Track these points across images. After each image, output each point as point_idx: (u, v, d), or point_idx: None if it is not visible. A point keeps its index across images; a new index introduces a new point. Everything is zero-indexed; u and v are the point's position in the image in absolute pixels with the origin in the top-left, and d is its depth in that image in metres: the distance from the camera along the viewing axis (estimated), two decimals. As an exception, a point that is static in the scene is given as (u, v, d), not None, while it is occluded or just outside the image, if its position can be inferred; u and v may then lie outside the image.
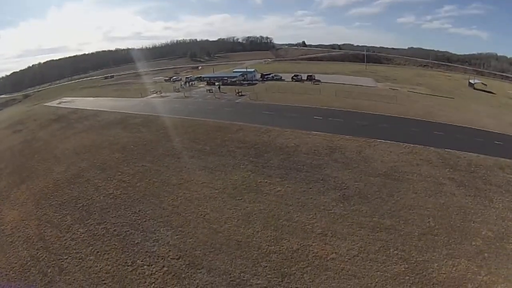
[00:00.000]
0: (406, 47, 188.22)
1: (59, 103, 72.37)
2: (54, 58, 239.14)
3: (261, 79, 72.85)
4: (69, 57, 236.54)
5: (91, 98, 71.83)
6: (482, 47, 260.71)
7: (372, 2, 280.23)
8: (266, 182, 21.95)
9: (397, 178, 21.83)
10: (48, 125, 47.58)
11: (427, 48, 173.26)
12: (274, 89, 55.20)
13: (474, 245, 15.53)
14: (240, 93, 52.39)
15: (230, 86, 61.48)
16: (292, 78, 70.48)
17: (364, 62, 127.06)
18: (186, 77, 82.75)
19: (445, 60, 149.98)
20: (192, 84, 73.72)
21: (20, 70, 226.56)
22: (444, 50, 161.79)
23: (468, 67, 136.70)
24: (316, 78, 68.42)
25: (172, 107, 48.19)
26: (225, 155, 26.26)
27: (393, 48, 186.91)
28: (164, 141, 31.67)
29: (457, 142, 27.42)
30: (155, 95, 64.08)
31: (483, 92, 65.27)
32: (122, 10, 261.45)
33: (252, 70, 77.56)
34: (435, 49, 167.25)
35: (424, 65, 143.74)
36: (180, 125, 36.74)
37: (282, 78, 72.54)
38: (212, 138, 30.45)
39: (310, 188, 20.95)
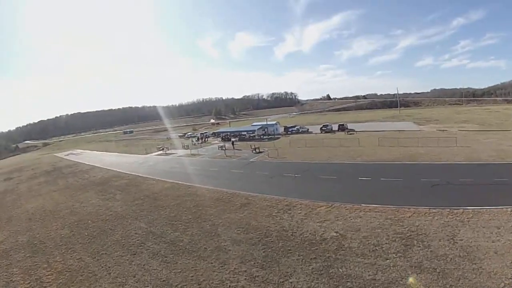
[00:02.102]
0: (429, 90, 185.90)
1: (68, 154, 76.31)
2: (81, 111, 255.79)
3: (284, 132, 62.95)
4: (96, 111, 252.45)
5: (98, 152, 72.67)
6: (503, 76, 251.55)
7: (390, 49, 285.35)
8: None
9: None
10: (37, 177, 47.91)
11: (449, 87, 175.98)
12: (300, 143, 44.43)
13: None
14: (257, 150, 42.03)
15: (248, 142, 51.92)
16: (321, 129, 60.06)
17: (392, 108, 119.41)
18: (201, 133, 75.19)
19: (470, 96, 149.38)
20: (205, 140, 65.40)
21: (47, 119, 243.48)
22: (467, 87, 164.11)
23: (497, 98, 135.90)
24: (349, 127, 57.48)
25: (170, 167, 38.72)
26: (211, 256, 14.29)
27: (416, 93, 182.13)
28: (131, 219, 20.64)
29: None
30: (160, 152, 55.81)
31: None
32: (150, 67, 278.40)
33: (274, 122, 68.32)
34: (457, 87, 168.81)
35: (454, 103, 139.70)
36: (165, 194, 26.10)
37: (309, 130, 62.26)
38: (199, 220, 18.87)
39: None
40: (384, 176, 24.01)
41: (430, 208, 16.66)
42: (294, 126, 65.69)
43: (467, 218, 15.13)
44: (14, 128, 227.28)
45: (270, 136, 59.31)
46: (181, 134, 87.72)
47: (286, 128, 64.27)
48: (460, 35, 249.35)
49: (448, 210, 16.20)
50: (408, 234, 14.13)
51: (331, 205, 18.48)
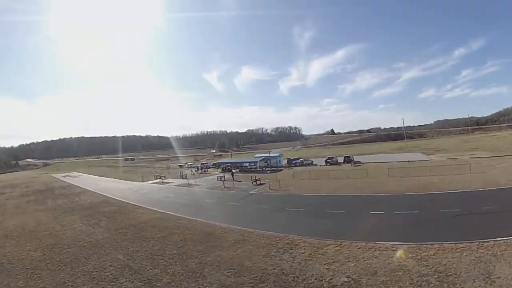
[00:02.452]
0: (432, 122, 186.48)
1: (65, 176, 76.51)
2: (86, 136, 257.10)
3: (287, 164, 60.66)
4: (100, 136, 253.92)
5: (95, 176, 72.18)
6: (505, 102, 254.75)
7: (393, 82, 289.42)
8: None
9: None
10: (29, 195, 47.89)
11: (452, 118, 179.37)
12: (304, 175, 42.09)
13: None
14: (257, 182, 39.51)
15: (250, 174, 49.34)
16: (325, 161, 58.08)
17: (397, 140, 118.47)
18: (202, 163, 73.16)
19: (474, 124, 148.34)
20: (205, 170, 63.08)
21: (51, 140, 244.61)
22: (470, 116, 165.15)
23: (501, 125, 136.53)
24: (355, 159, 55.36)
25: (163, 197, 36.36)
26: (193, 303, 11.61)
27: (419, 125, 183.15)
28: (110, 249, 17.95)
29: None
30: (157, 180, 53.56)
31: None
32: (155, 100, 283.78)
33: (277, 154, 66.33)
34: (460, 117, 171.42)
35: (459, 133, 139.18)
36: (153, 224, 23.48)
37: (313, 162, 59.94)
38: (184, 256, 16.02)
39: None
40: (398, 208, 21.39)
41: (456, 243, 14.16)
42: (298, 158, 63.58)
43: (500, 251, 12.75)
44: (17, 145, 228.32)
45: (272, 168, 56.95)
46: (181, 164, 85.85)
47: (289, 160, 62.09)
48: (461, 65, 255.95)
49: (477, 243, 13.81)
50: (435, 276, 11.34)
51: (341, 244, 15.71)
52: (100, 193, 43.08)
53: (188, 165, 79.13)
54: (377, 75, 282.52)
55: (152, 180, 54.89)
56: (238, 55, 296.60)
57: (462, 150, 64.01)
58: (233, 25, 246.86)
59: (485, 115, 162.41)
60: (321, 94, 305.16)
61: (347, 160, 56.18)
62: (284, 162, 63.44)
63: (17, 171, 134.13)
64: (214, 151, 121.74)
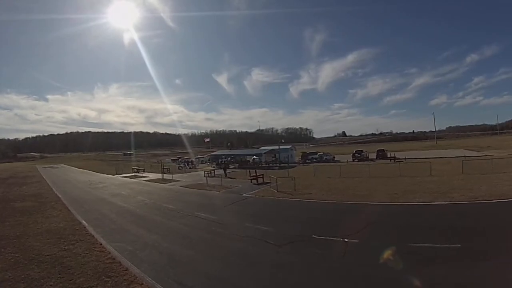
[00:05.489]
0: (444, 128, 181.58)
1: (46, 167, 75.22)
2: (92, 131, 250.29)
3: (301, 161, 47.19)
4: (106, 132, 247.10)
5: (74, 168, 69.24)
6: None
7: (404, 88, 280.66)
8: None
9: None
10: None
11: (464, 124, 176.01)
12: (331, 173, 28.05)
13: None
14: (257, 179, 26.32)
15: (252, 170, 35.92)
16: (353, 156, 44.53)
17: (418, 141, 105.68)
18: (196, 157, 60.49)
19: (489, 130, 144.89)
20: (193, 165, 50.52)
21: (57, 134, 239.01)
22: (482, 123, 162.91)
23: None
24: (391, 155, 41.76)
25: (111, 195, 23.68)
26: None
27: (431, 131, 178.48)
28: None
29: None
30: (131, 174, 41.62)
31: None
32: (166, 99, 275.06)
33: (288, 146, 52.45)
34: (472, 124, 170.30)
35: (479, 135, 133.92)
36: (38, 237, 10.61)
37: (335, 158, 46.33)
38: None
39: None
40: None
41: None
42: (315, 153, 49.88)
43: None
44: (22, 138, 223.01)
45: (282, 164, 43.44)
46: (174, 158, 74.07)
47: (304, 155, 48.25)
48: (473, 72, 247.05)
49: None
50: None
51: None
52: (49, 184, 34.44)
53: (181, 159, 66.85)
54: (389, 80, 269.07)
55: (128, 173, 43.03)
56: (248, 57, 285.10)
57: (508, 147, 52.37)
58: (243, 27, 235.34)
59: (497, 123, 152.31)
60: (332, 98, 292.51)
61: (381, 155, 42.75)
62: (297, 158, 49.98)
63: (11, 162, 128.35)
64: (208, 139, 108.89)
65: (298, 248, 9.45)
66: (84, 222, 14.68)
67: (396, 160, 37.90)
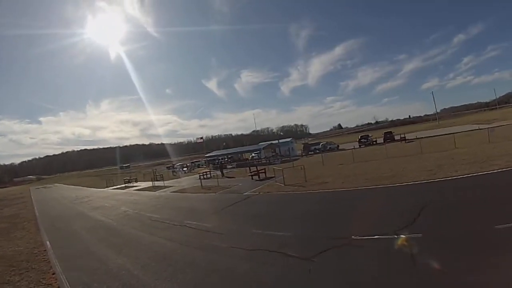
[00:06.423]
0: (439, 110, 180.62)
1: (39, 187, 73.75)
2: (88, 148, 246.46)
3: (303, 153, 44.14)
4: (102, 148, 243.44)
5: (65, 186, 66.85)
6: (508, 87, 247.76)
7: (395, 75, 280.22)
8: None
9: None
10: None
11: (457, 105, 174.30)
12: (342, 159, 25.20)
13: None
14: (259, 175, 23.30)
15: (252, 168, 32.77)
16: (359, 141, 42.08)
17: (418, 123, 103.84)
18: (191, 162, 57.32)
19: (484, 107, 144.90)
20: (187, 170, 47.40)
21: (53, 155, 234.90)
22: (476, 101, 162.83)
23: None
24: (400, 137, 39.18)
25: (91, 208, 20.20)
26: None
27: (426, 115, 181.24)
28: None
29: None
30: (122, 185, 38.42)
31: None
32: (159, 110, 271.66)
33: (288, 139, 49.36)
34: (466, 103, 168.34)
35: (477, 112, 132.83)
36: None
37: (339, 147, 43.39)
38: None
39: None
40: None
41: None
42: (318, 143, 46.77)
43: None
44: (18, 163, 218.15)
45: (284, 159, 40.39)
46: (168, 166, 71.16)
47: (306, 146, 45.35)
48: (462, 52, 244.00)
49: None
50: None
51: None
52: (33, 203, 32.26)
53: (177, 166, 63.99)
54: (379, 69, 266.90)
55: (119, 185, 39.84)
56: (236, 60, 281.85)
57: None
58: (228, 30, 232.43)
59: (496, 97, 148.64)
60: (323, 92, 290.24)
61: (389, 137, 39.90)
62: (298, 151, 46.88)
63: (7, 186, 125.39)
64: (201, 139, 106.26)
65: (337, 260, 6.01)
66: (48, 243, 11.64)
67: (408, 141, 34.98)
